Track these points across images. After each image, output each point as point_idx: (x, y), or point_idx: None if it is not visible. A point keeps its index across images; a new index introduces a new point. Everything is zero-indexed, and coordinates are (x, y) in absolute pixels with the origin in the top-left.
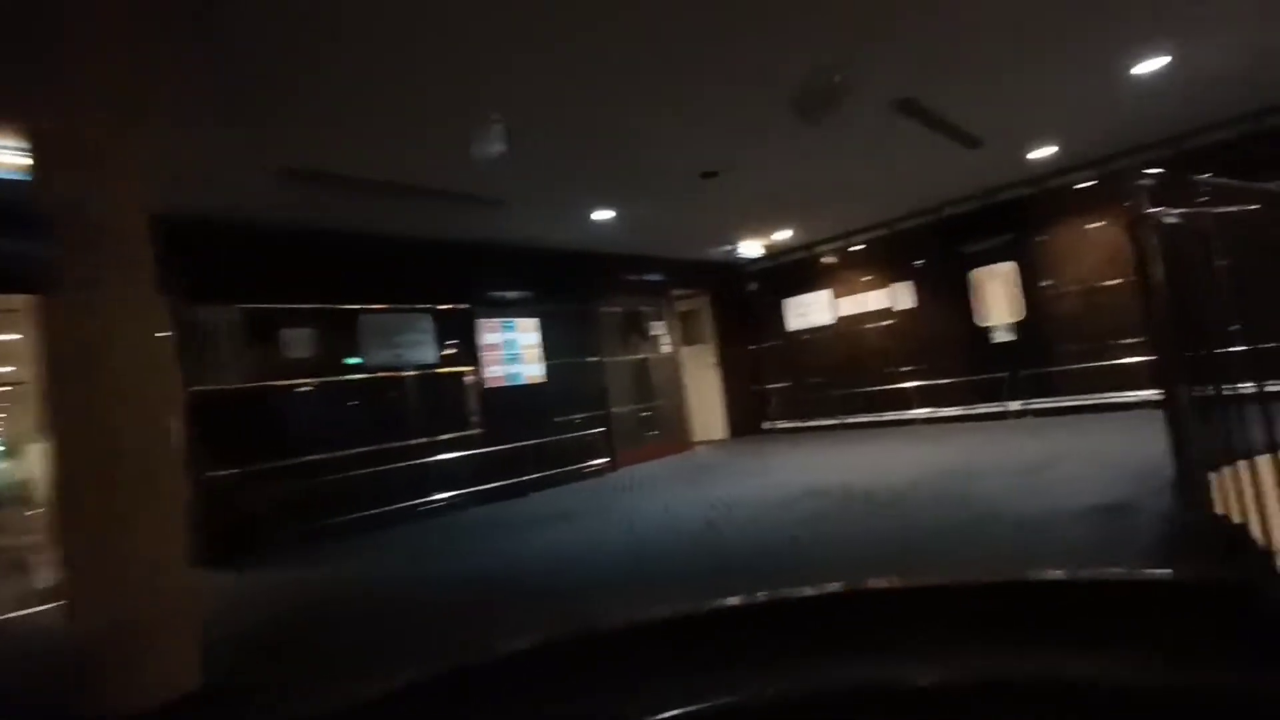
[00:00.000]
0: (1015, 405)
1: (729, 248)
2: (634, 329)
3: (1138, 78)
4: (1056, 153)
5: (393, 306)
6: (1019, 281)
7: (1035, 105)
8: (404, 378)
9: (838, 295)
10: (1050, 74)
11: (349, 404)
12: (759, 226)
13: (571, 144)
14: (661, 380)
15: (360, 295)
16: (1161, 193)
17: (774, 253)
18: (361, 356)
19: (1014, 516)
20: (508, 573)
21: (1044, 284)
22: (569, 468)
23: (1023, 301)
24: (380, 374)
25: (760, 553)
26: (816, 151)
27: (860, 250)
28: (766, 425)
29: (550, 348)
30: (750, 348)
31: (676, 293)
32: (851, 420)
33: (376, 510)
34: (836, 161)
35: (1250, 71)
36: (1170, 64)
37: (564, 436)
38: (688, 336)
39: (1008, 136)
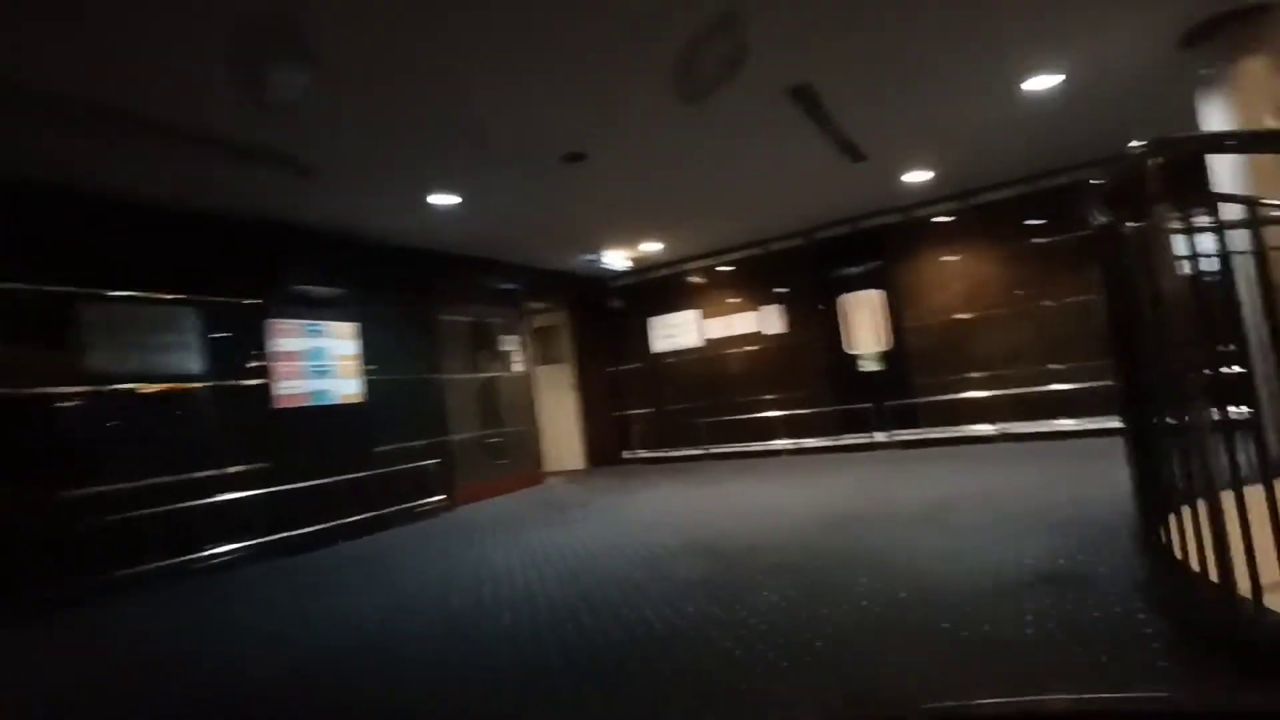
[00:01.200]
0: (881, 437)
1: (592, 257)
2: (482, 343)
3: (1028, 96)
4: (930, 179)
5: (139, 295)
6: (886, 310)
7: (921, 122)
8: (159, 393)
9: (706, 316)
10: (943, 88)
11: (77, 426)
12: (626, 235)
13: (400, 99)
14: (512, 403)
15: (93, 275)
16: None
17: (641, 267)
18: (91, 360)
19: (941, 591)
20: (242, 682)
21: (909, 314)
22: (395, 508)
23: (889, 331)
24: (119, 386)
25: (619, 653)
26: (693, 145)
27: (730, 270)
28: (628, 455)
29: (374, 360)
30: (612, 370)
31: (532, 305)
32: (717, 450)
33: (121, 570)
34: (713, 162)
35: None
36: (1064, 84)
37: (389, 470)
38: (544, 354)
39: (889, 155)
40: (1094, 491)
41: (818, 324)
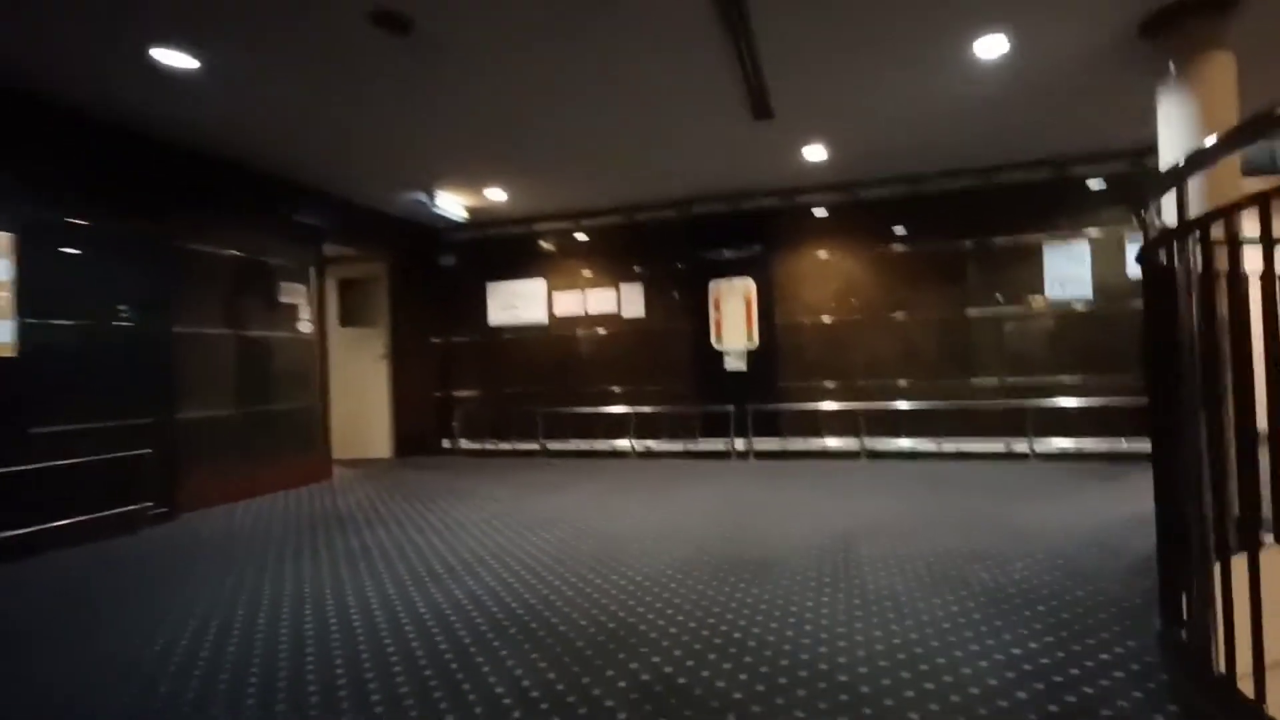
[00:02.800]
0: (741, 445)
1: (421, 198)
2: (251, 288)
3: (971, 66)
4: (825, 160)
5: None
6: (757, 303)
7: (846, 80)
8: None
9: (555, 289)
10: (886, 42)
11: None
12: (465, 175)
13: None
14: (290, 371)
15: None
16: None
17: (481, 220)
18: None
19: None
20: None
21: (781, 310)
22: (64, 521)
23: (759, 326)
24: None
25: None
26: (569, 61)
27: (588, 239)
28: (448, 444)
29: (45, 295)
30: (437, 341)
31: (337, 249)
32: (555, 446)
33: None
34: (590, 91)
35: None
36: (1010, 59)
37: (58, 463)
38: (347, 314)
39: (796, 119)
40: (1025, 524)
41: (683, 311)
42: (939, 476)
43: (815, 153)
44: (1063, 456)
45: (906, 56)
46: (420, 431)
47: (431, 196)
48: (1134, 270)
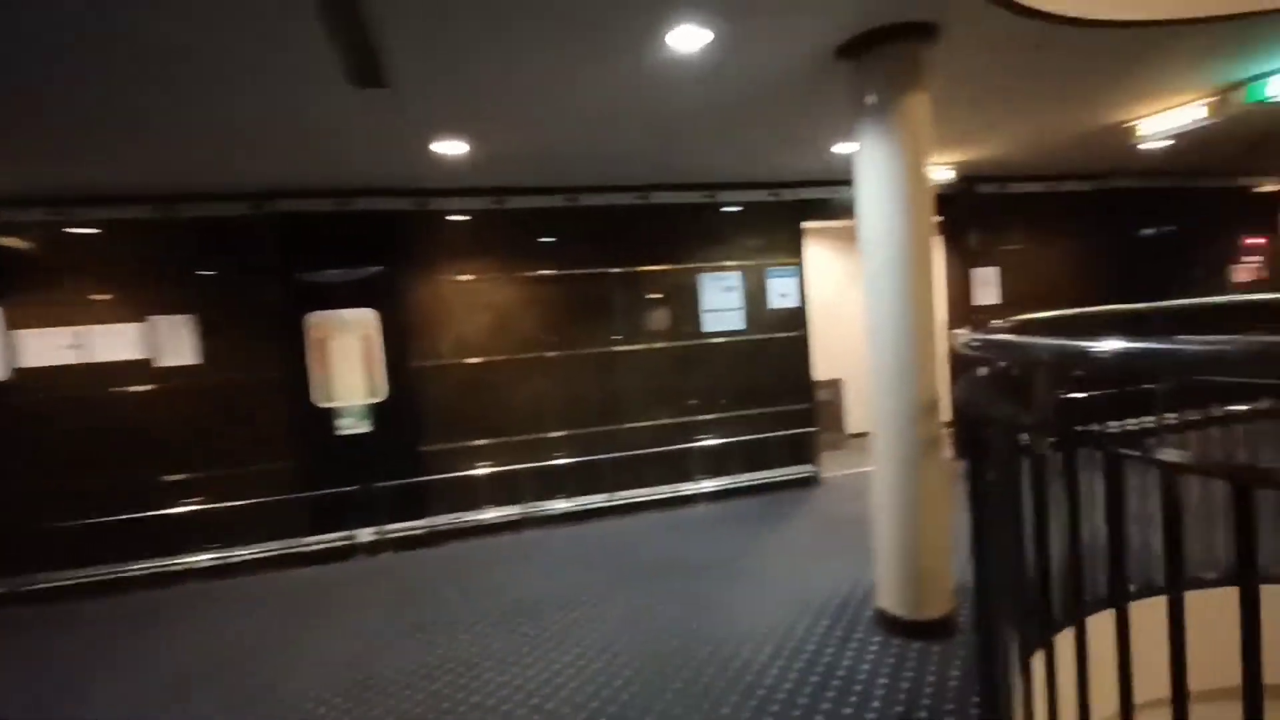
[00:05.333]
0: (370, 536)
1: None
2: None
3: (653, 61)
4: (464, 155)
5: None
6: (382, 341)
7: (492, 61)
8: None
9: (18, 324)
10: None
11: None
12: None
13: None
14: None
15: None
16: None
17: None
18: None
19: None
20: None
21: (418, 348)
22: None
23: (385, 372)
24: None
25: None
26: None
27: (94, 236)
28: None
29: None
30: None
31: None
32: (78, 578)
33: None
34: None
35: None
36: (713, 44)
37: None
38: None
39: (421, 97)
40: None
41: (266, 355)
42: (615, 543)
43: (451, 146)
44: (730, 493)
45: (578, 45)
46: None
47: None
48: (777, 302)
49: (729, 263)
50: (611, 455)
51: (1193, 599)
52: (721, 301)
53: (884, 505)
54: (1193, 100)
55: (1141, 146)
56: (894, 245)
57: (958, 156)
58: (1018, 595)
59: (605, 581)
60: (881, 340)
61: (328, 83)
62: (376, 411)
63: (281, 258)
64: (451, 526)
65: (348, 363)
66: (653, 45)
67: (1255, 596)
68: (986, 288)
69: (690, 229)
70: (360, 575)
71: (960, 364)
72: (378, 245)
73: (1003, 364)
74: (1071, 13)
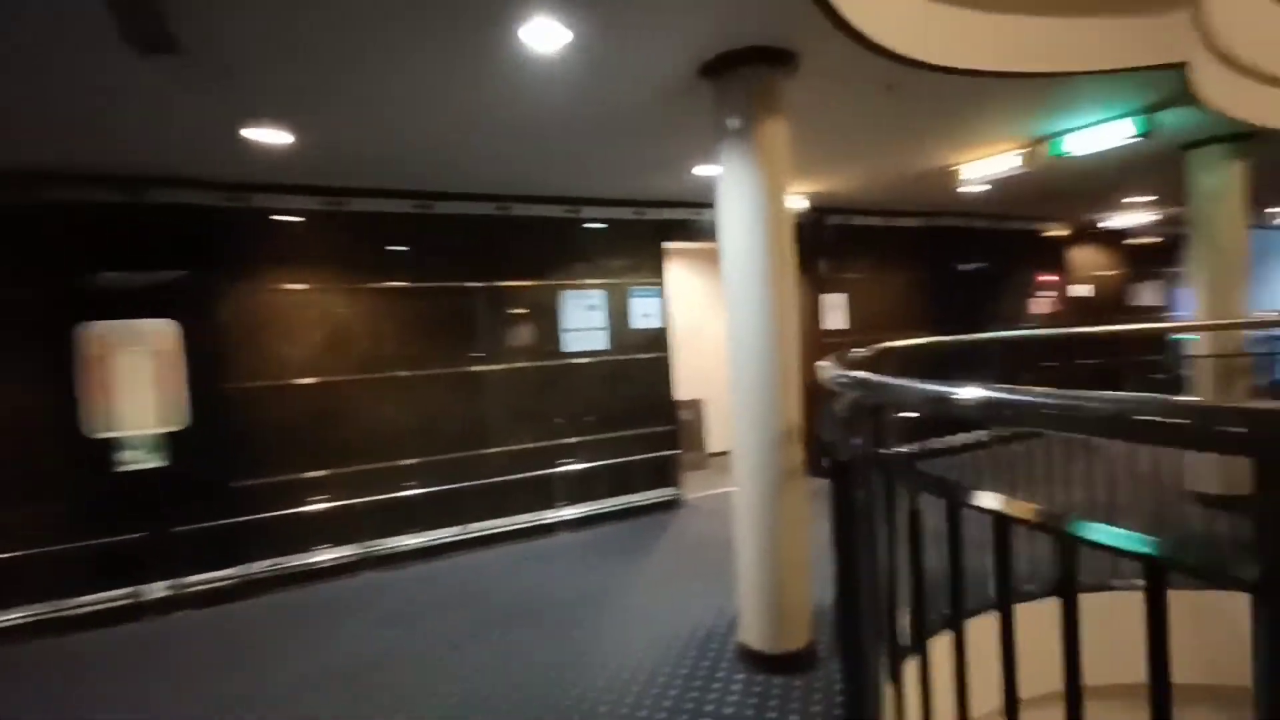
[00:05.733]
0: (161, 590)
1: None
2: None
3: (507, 54)
4: (290, 146)
5: None
6: (183, 359)
7: (320, 45)
8: None
9: None
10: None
11: None
12: None
13: None
14: None
15: None
16: None
17: None
18: None
19: None
20: None
21: (236, 369)
22: None
23: (186, 395)
24: None
25: None
26: None
27: None
28: None
29: None
30: None
31: None
32: None
33: None
34: None
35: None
36: (573, 44)
37: None
38: None
39: (231, 75)
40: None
41: (21, 373)
42: (471, 581)
43: (269, 135)
44: (594, 519)
45: (419, 23)
46: None
47: None
48: (640, 322)
49: (592, 280)
50: (469, 483)
51: (1024, 610)
52: (584, 320)
53: (745, 538)
54: (1009, 150)
55: (963, 189)
56: (755, 270)
57: (810, 187)
58: (877, 620)
59: (458, 628)
60: (743, 365)
61: (101, 44)
62: (174, 442)
63: (56, 257)
64: (272, 574)
65: (136, 384)
66: (506, 39)
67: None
68: (835, 313)
69: (553, 244)
70: (152, 638)
71: (819, 390)
72: (181, 246)
73: (862, 399)
74: (916, 55)
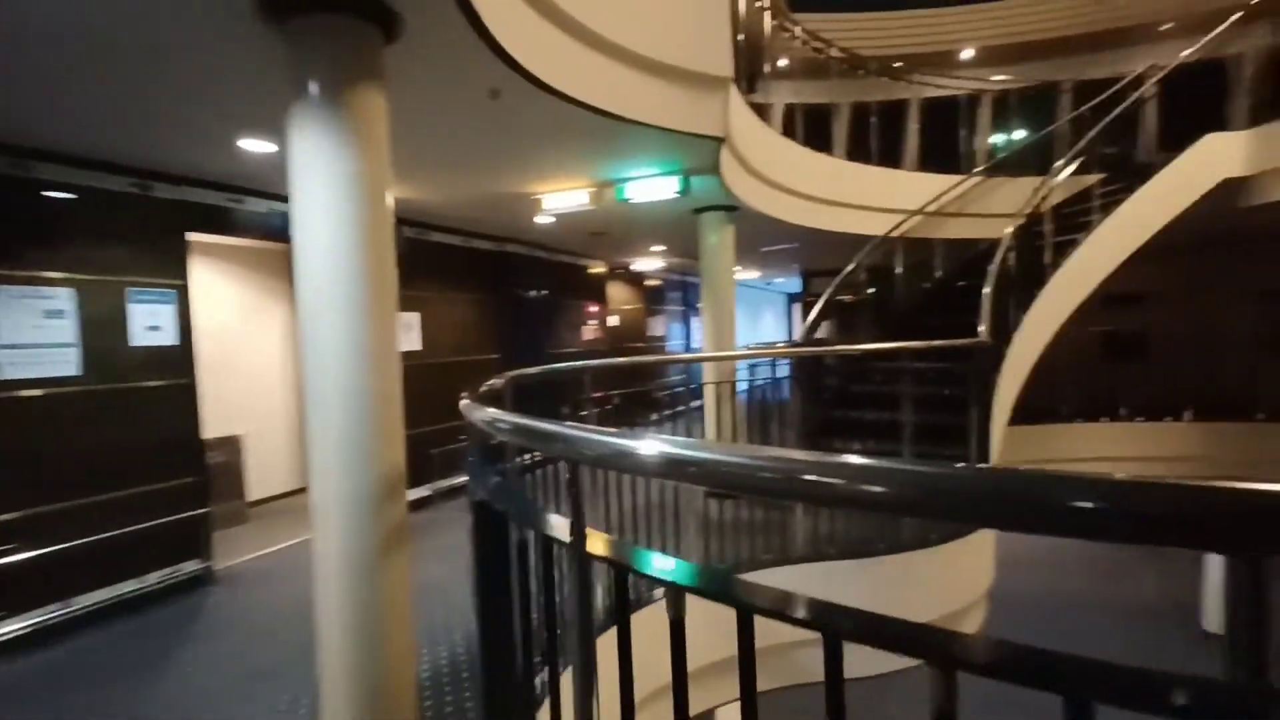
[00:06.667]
0: None
1: None
2: None
3: None
4: None
5: None
6: None
7: None
8: None
9: None
10: None
11: None
12: None
13: None
14: None
15: None
16: None
17: None
18: None
19: None
20: None
21: None
22: None
23: None
24: None
25: None
26: None
27: None
28: None
29: None
30: None
31: None
32: None
33: None
34: None
35: None
36: None
37: None
38: None
39: None
40: None
41: None
42: None
43: None
44: (67, 628)
45: None
46: None
47: None
48: (144, 337)
49: (54, 274)
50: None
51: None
52: (33, 334)
53: (332, 629)
54: (581, 187)
55: (537, 219)
56: (347, 279)
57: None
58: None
59: None
60: (329, 398)
61: None
62: None
63: None
64: None
65: None
66: None
67: None
68: (408, 333)
69: None
70: None
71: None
72: None
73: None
74: (520, 58)
